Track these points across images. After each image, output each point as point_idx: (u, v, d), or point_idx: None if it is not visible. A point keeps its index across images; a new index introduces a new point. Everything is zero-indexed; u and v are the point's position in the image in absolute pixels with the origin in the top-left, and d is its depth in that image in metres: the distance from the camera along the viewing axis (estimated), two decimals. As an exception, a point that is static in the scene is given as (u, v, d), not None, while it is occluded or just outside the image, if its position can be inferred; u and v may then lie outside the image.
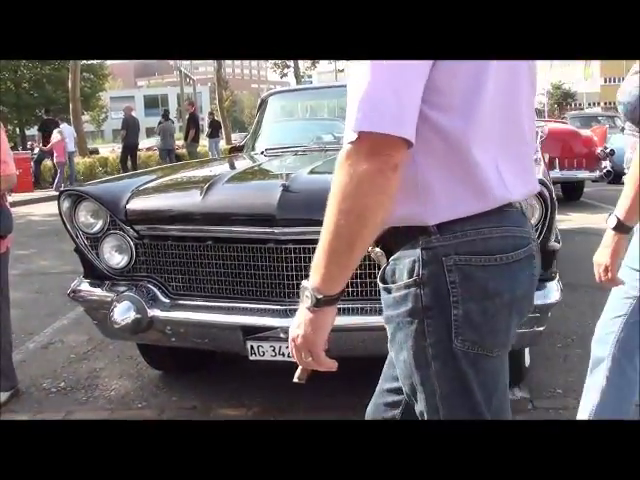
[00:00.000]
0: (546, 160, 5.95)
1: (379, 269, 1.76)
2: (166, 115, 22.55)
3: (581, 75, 59.94)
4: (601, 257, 2.38)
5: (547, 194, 3.39)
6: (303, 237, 3.48)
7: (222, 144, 27.49)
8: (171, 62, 42.66)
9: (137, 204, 3.86)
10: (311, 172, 4.01)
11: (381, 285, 1.70)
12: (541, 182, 3.48)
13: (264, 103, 6.37)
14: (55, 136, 19.48)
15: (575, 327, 5.14)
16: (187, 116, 22.58)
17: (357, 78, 1.48)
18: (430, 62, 1.50)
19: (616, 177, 13.54)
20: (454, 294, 1.58)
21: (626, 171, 2.50)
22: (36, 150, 21.73)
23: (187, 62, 41.88)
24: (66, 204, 3.95)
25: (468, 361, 1.63)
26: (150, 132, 44.53)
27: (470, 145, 1.56)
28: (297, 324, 1.65)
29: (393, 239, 1.66)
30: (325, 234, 1.54)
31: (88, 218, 3.95)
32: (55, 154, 19.30)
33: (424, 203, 1.59)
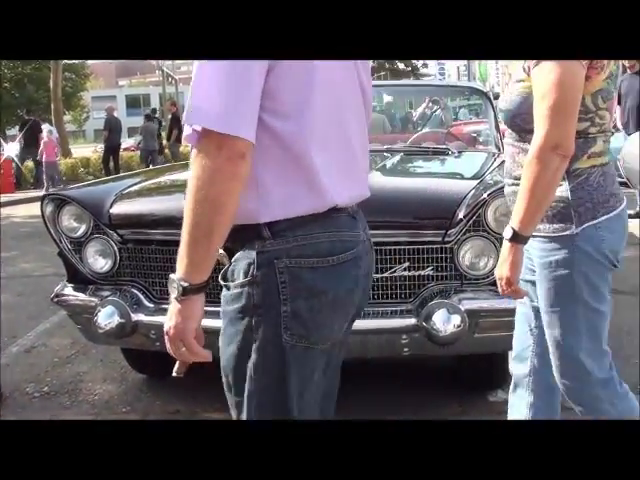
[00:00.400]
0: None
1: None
2: (149, 115, 22.40)
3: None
4: (502, 270, 2.41)
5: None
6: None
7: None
8: (153, 61, 42.28)
9: (121, 208, 3.85)
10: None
11: (222, 282, 1.81)
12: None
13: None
14: (45, 136, 19.40)
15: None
16: (169, 116, 22.47)
17: (195, 76, 1.64)
18: (265, 67, 1.65)
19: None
20: (284, 293, 1.72)
21: (506, 181, 2.53)
22: (17, 151, 21.55)
23: (169, 61, 41.67)
24: (49, 208, 3.93)
25: (294, 354, 1.76)
26: (132, 132, 44.27)
27: (303, 149, 1.70)
28: (168, 317, 1.73)
29: (234, 242, 1.78)
30: (185, 225, 1.65)
31: (72, 222, 3.94)
32: (45, 154, 19.21)
33: (259, 201, 1.72)
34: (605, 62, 2.27)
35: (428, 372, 4.53)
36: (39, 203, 4.01)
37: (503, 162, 4.53)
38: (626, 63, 10.51)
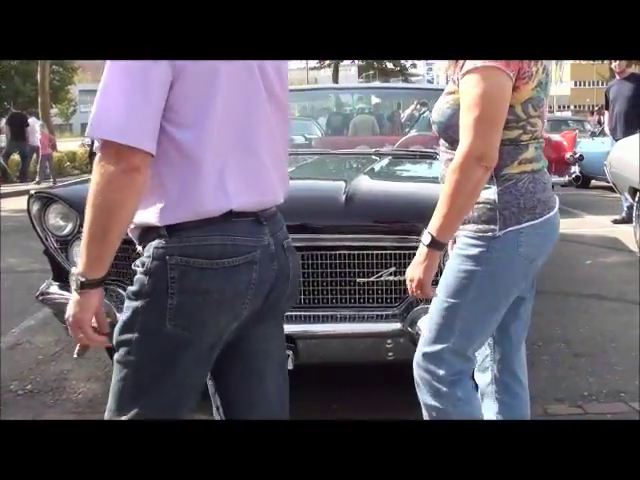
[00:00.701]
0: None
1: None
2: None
3: (551, 78, 60.55)
4: (414, 272, 2.43)
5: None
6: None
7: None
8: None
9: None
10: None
11: (134, 268, 1.95)
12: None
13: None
14: (36, 129, 19.38)
15: (542, 334, 5.18)
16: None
17: (100, 87, 1.75)
18: (168, 81, 1.77)
19: (585, 182, 13.68)
20: (172, 287, 1.86)
21: (441, 185, 2.56)
22: (3, 143, 21.49)
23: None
24: (36, 206, 3.92)
25: (174, 344, 1.91)
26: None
27: (201, 158, 1.83)
28: (69, 306, 1.94)
29: (141, 238, 1.96)
30: (85, 224, 1.80)
31: (58, 221, 3.92)
32: (41, 148, 19.22)
33: (160, 204, 1.87)
34: (534, 71, 2.29)
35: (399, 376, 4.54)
36: (25, 197, 4.00)
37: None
38: (615, 68, 10.56)
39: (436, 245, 2.36)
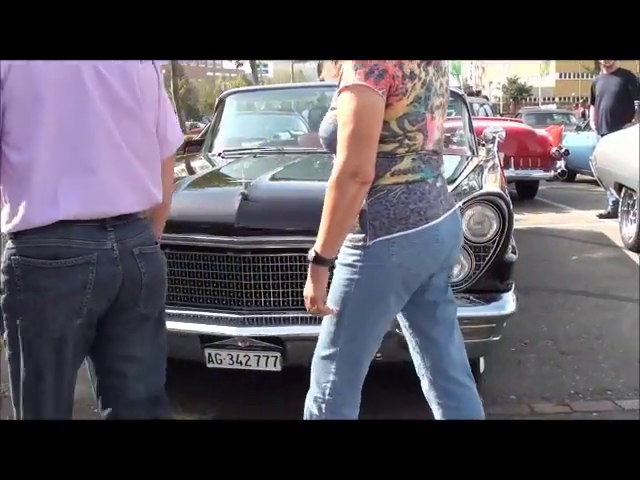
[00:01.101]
0: (501, 160, 6.02)
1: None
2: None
3: (537, 70, 60.53)
4: (307, 290, 2.45)
5: (504, 207, 3.44)
6: (262, 246, 3.51)
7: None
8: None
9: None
10: (271, 179, 4.02)
11: None
12: (498, 195, 3.53)
13: (222, 103, 6.34)
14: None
15: (529, 331, 5.20)
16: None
17: None
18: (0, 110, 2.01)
19: (570, 176, 13.73)
20: (18, 284, 2.12)
21: None
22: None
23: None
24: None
25: (26, 339, 2.15)
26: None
27: (30, 176, 2.07)
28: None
29: None
30: None
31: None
32: None
33: (5, 213, 2.13)
34: (409, 87, 2.29)
35: (399, 376, 4.55)
36: None
37: (477, 166, 4.60)
38: (603, 62, 10.58)
39: (321, 261, 2.38)
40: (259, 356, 3.56)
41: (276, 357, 3.54)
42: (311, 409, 2.55)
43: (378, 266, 2.40)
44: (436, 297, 2.65)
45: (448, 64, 2.55)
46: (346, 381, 2.54)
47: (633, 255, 7.74)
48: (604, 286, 6.50)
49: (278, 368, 3.56)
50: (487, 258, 3.50)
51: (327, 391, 2.52)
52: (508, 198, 3.57)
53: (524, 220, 9.85)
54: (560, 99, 70.87)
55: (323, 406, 2.52)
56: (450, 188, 3.76)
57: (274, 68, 67.68)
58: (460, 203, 3.42)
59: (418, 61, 2.27)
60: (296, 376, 3.71)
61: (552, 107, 29.83)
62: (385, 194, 2.39)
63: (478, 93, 28.13)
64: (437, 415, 2.73)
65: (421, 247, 2.43)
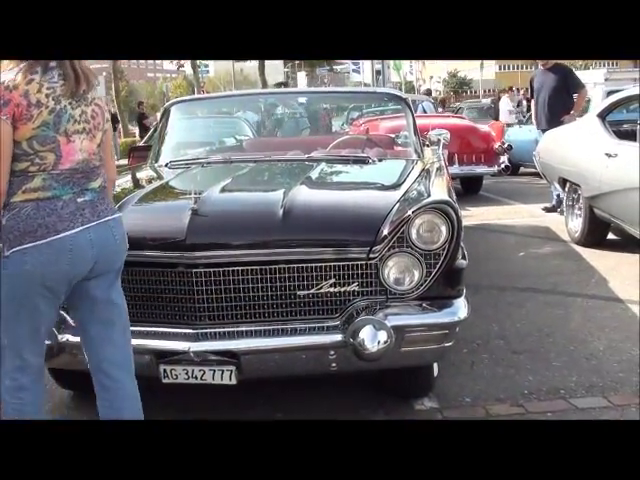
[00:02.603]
0: (445, 158, 6.06)
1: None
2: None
3: (476, 63, 61.01)
4: None
5: (453, 215, 3.47)
6: (213, 260, 3.50)
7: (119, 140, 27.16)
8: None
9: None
10: (221, 191, 4.00)
11: None
12: (447, 203, 3.56)
13: (167, 112, 6.29)
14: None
15: (480, 331, 5.23)
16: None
17: None
18: None
19: (513, 169, 13.88)
20: None
21: None
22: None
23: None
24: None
25: None
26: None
27: None
28: None
29: None
30: None
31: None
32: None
33: None
34: (35, 113, 2.70)
35: (352, 381, 4.57)
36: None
37: (424, 170, 4.63)
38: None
39: None
40: (214, 370, 3.55)
41: (231, 371, 3.53)
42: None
43: (16, 274, 2.78)
44: (95, 299, 3.03)
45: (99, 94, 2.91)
46: (17, 369, 2.91)
47: (580, 249, 7.85)
48: (552, 282, 6.58)
49: (234, 382, 3.54)
50: (437, 265, 3.52)
51: (5, 377, 2.91)
52: (456, 205, 3.59)
53: (470, 216, 9.94)
54: (500, 91, 71.54)
55: (3, 389, 2.92)
56: (399, 196, 3.81)
57: (215, 68, 67.09)
58: (410, 211, 3.46)
59: (48, 92, 2.68)
60: (251, 389, 3.72)
61: (487, 102, 30.07)
62: (18, 211, 2.76)
63: (428, 93, 28.16)
64: (98, 408, 3.12)
65: (54, 256, 2.79)
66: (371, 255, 3.50)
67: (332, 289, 3.54)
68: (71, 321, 3.69)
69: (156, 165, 5.60)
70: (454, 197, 3.86)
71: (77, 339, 3.59)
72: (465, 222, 4.05)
